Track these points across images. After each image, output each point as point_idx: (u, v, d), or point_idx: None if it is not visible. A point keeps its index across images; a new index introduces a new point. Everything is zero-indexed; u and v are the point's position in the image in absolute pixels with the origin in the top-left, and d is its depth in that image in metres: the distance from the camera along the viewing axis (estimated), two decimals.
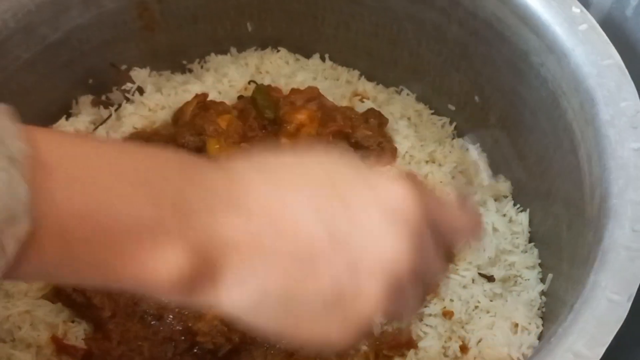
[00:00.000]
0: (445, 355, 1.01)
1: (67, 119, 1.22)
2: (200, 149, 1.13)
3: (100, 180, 0.48)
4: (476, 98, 1.22)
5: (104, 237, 0.48)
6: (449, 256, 0.64)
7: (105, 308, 0.97)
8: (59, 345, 0.95)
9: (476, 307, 1.05)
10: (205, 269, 0.51)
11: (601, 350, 0.73)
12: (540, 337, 1.04)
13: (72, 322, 0.99)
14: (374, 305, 0.54)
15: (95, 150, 0.51)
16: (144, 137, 1.16)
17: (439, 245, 0.60)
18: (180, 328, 0.97)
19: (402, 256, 0.54)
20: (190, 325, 0.94)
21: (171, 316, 0.97)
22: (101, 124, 1.21)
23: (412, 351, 1.00)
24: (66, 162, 0.48)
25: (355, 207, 0.55)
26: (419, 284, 0.58)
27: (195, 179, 0.53)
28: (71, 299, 0.97)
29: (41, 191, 0.45)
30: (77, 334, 0.97)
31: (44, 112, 1.21)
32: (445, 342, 1.02)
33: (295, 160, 0.58)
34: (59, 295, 0.98)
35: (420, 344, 1.01)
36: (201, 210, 0.51)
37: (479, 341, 1.02)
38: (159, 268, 0.50)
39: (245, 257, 0.52)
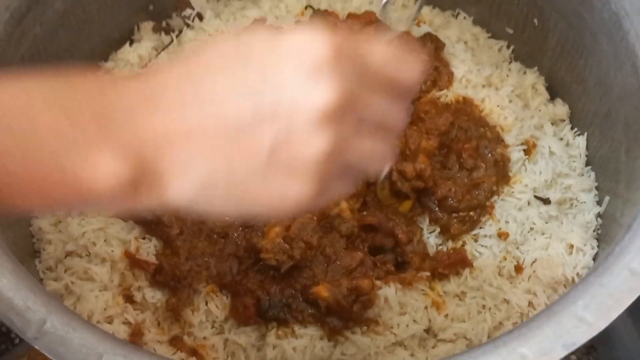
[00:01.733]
0: (499, 274, 1.04)
1: (130, 45, 1.25)
2: None
3: (16, 112, 0.52)
4: (535, 21, 1.21)
5: (33, 164, 0.52)
6: (406, 94, 0.62)
7: (173, 226, 1.02)
8: (132, 259, 1.01)
9: (531, 228, 1.07)
10: (143, 171, 0.53)
11: None
12: (595, 259, 1.06)
13: (143, 238, 1.04)
14: (314, 147, 0.54)
15: (12, 82, 0.54)
16: None
17: (380, 87, 0.58)
18: (245, 245, 1.01)
19: (327, 96, 0.53)
20: (254, 242, 0.98)
21: (236, 234, 1.02)
22: (163, 49, 1.23)
23: (467, 270, 1.03)
24: None
25: (272, 66, 0.54)
26: (370, 124, 0.58)
27: (114, 94, 0.54)
28: (142, 217, 1.02)
29: None
30: (148, 249, 1.02)
31: (108, 39, 1.24)
32: (500, 262, 1.04)
33: (203, 48, 0.57)
34: (130, 213, 1.03)
35: (475, 264, 1.03)
36: (122, 119, 0.53)
37: (534, 261, 1.04)
38: (94, 178, 0.52)
39: (179, 147, 0.54)
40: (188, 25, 1.26)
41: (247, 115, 0.54)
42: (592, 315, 0.74)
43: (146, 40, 1.25)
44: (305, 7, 1.28)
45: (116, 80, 0.56)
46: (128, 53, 1.24)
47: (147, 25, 1.28)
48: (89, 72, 0.56)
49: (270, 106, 0.54)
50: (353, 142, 0.57)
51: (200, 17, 1.27)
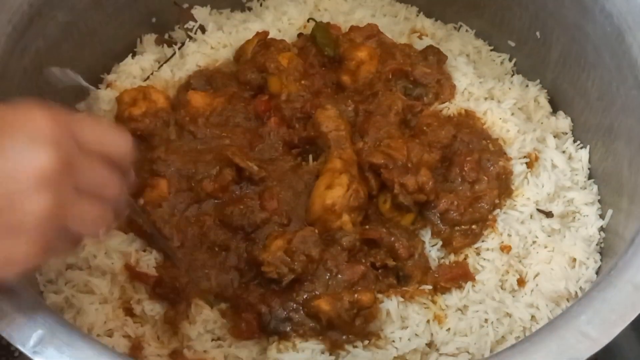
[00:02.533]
0: (502, 288, 1.03)
1: (132, 57, 1.25)
2: (262, 87, 1.15)
3: None
4: (537, 34, 1.21)
5: None
6: (120, 164, 0.70)
7: (174, 238, 1.02)
8: (132, 272, 1.00)
9: (534, 242, 1.07)
10: None
11: None
12: (598, 272, 1.05)
13: (144, 251, 1.03)
14: (35, 207, 0.60)
15: None
16: (207, 75, 1.18)
17: (96, 160, 0.66)
18: (246, 258, 1.01)
19: (45, 162, 0.60)
20: (255, 255, 0.98)
21: (237, 247, 1.01)
22: (165, 62, 1.23)
23: (469, 283, 1.02)
24: None
25: None
26: (89, 194, 0.65)
27: None
28: (142, 229, 1.02)
29: None
30: (148, 262, 1.02)
31: (110, 51, 1.24)
32: (503, 275, 1.04)
33: None
34: (131, 225, 1.03)
35: (478, 277, 1.03)
36: None
37: (536, 275, 1.04)
38: None
39: None
40: (190, 38, 1.27)
41: None
42: (595, 330, 0.74)
43: (148, 53, 1.26)
44: (308, 20, 1.29)
45: None
46: (130, 65, 1.24)
47: (150, 38, 1.28)
48: None
49: None
50: (72, 205, 0.63)
51: (202, 29, 1.27)
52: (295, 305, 0.97)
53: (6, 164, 0.60)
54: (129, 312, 0.99)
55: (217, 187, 1.04)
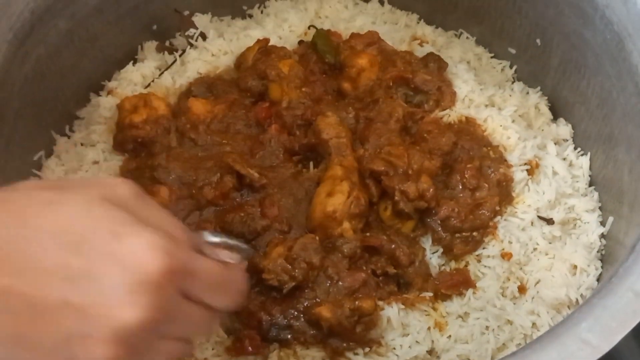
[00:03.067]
0: (503, 295, 1.03)
1: (133, 64, 1.26)
2: (262, 94, 1.15)
3: None
4: (537, 41, 1.21)
5: None
6: (216, 312, 0.68)
7: None
8: None
9: (535, 249, 1.06)
10: None
11: None
12: (599, 280, 1.05)
13: None
14: (103, 356, 0.58)
15: None
16: (207, 82, 1.19)
17: (195, 297, 0.64)
18: (246, 265, 1.00)
19: (135, 318, 0.57)
20: (256, 262, 0.98)
21: None
22: (166, 69, 1.24)
23: (470, 290, 1.02)
24: None
25: (96, 263, 0.57)
26: (172, 334, 0.63)
27: None
28: None
29: None
30: None
31: (111, 58, 1.24)
32: (504, 282, 1.04)
33: (50, 201, 0.60)
34: None
35: (479, 284, 1.03)
36: None
37: (537, 282, 1.04)
38: None
39: None
40: (191, 45, 1.27)
41: (53, 301, 0.56)
42: (596, 337, 0.74)
43: (150, 60, 1.26)
44: (309, 27, 1.29)
45: None
46: (131, 72, 1.24)
47: (151, 45, 1.29)
48: None
49: (78, 303, 0.57)
50: (150, 350, 0.61)
51: (203, 36, 1.28)
52: (296, 312, 0.97)
53: (96, 299, 0.58)
54: None
55: (217, 194, 1.04)
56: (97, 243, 0.58)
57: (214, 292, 0.67)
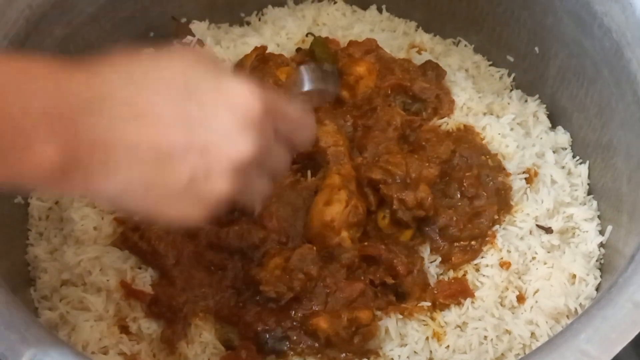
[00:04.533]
0: (501, 304, 1.03)
1: None
2: None
3: None
4: (536, 49, 1.21)
5: None
6: (291, 147, 0.77)
7: (169, 255, 1.01)
8: (128, 289, 0.99)
9: (533, 258, 1.06)
10: (76, 166, 0.60)
11: None
12: (598, 289, 1.04)
13: (139, 268, 1.02)
14: (222, 188, 0.66)
15: None
16: None
17: (280, 138, 0.73)
18: (243, 277, 1.00)
19: (248, 149, 0.66)
20: (253, 274, 0.97)
21: (234, 266, 1.01)
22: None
23: (468, 300, 1.02)
24: None
25: (208, 108, 0.65)
26: (263, 171, 0.72)
27: (63, 88, 0.61)
28: (137, 246, 1.01)
29: None
30: (144, 279, 1.01)
31: None
32: (502, 292, 1.03)
33: (152, 62, 0.67)
34: (126, 242, 1.02)
35: (477, 293, 1.02)
36: (69, 118, 0.60)
37: (536, 292, 1.03)
38: (33, 161, 0.59)
39: (112, 155, 0.62)
40: None
41: (178, 147, 0.63)
42: (595, 348, 0.73)
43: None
44: (306, 35, 1.28)
45: (69, 72, 0.62)
46: None
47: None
48: (46, 59, 0.62)
49: (200, 145, 0.64)
50: (249, 186, 0.70)
51: (200, 43, 1.27)
52: (293, 323, 0.96)
53: (214, 139, 0.65)
54: (124, 329, 0.98)
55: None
56: (206, 92, 0.66)
57: (297, 129, 0.77)
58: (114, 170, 0.62)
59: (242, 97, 0.66)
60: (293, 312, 0.96)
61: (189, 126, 0.64)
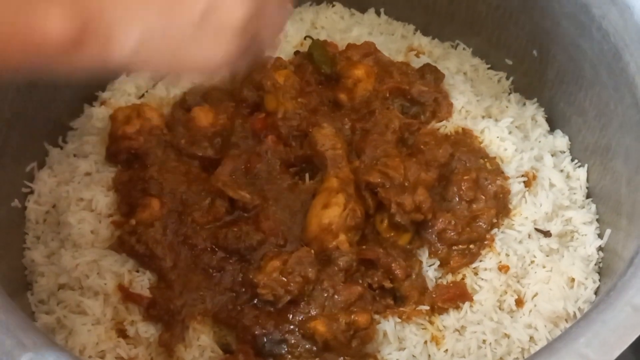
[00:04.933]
0: (500, 308, 1.02)
1: (127, 75, 1.24)
2: (258, 104, 1.15)
3: None
4: (534, 52, 1.21)
5: None
6: None
7: (166, 259, 1.00)
8: (125, 293, 0.99)
9: (532, 261, 1.05)
10: (88, 27, 0.60)
11: None
12: (597, 292, 1.04)
13: (137, 271, 1.02)
14: (235, 12, 0.66)
15: None
16: (202, 91, 1.17)
17: None
18: (241, 280, 0.99)
19: None
20: (250, 277, 0.97)
21: (232, 268, 1.00)
22: (160, 79, 1.22)
23: (467, 304, 1.01)
24: None
25: None
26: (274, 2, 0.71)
27: None
28: (134, 249, 1.01)
29: None
30: (141, 283, 1.01)
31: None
32: (501, 295, 1.03)
33: None
34: (123, 245, 1.02)
35: (476, 297, 1.02)
36: None
37: (535, 295, 1.03)
38: (44, 31, 0.59)
39: (121, 6, 0.62)
40: None
41: None
42: (594, 352, 0.73)
43: (144, 71, 1.25)
44: (305, 38, 1.28)
45: None
46: (125, 83, 1.23)
47: None
48: None
49: None
50: (263, 14, 0.69)
51: None
52: (290, 326, 0.96)
53: None
54: (122, 333, 0.98)
55: (210, 219, 1.03)
56: None
57: None
58: (128, 23, 0.62)
59: None
60: (291, 315, 0.96)
61: None
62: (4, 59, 0.62)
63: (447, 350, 0.98)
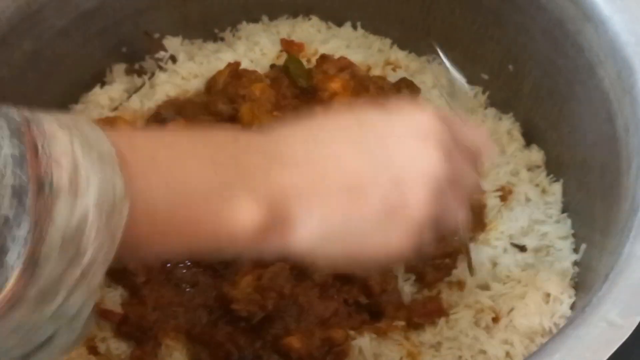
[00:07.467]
0: (476, 324, 1.02)
1: (101, 87, 1.23)
2: (233, 118, 1.13)
3: (169, 163, 0.56)
4: (510, 67, 1.21)
5: (183, 208, 0.56)
6: (476, 169, 0.72)
7: (139, 274, 0.99)
8: (97, 309, 0.97)
9: (507, 276, 1.05)
10: (274, 219, 0.59)
11: (635, 320, 0.73)
12: (572, 308, 1.04)
13: (109, 287, 1.00)
14: (422, 208, 0.62)
15: (160, 140, 0.59)
16: (177, 105, 1.17)
17: (465, 157, 0.68)
18: (215, 295, 0.98)
19: (438, 165, 0.62)
20: (225, 292, 0.95)
21: (206, 283, 0.99)
22: (135, 92, 1.22)
23: (442, 319, 1.01)
24: (140, 153, 0.55)
25: (388, 135, 0.64)
26: (458, 189, 0.66)
27: (247, 147, 0.61)
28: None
29: (127, 181, 0.51)
30: (113, 299, 0.99)
31: (78, 81, 1.22)
32: (477, 312, 1.02)
33: (324, 118, 0.67)
34: None
35: (451, 313, 1.01)
36: (258, 170, 0.59)
37: (511, 310, 1.02)
38: (234, 222, 0.57)
39: (305, 200, 0.60)
40: (161, 68, 1.25)
41: (366, 176, 0.62)
42: None
43: (118, 83, 1.24)
44: (281, 51, 1.28)
45: (245, 133, 0.65)
46: (99, 95, 1.22)
47: (120, 68, 1.26)
48: (218, 127, 0.63)
49: (386, 169, 0.62)
50: (450, 206, 0.66)
51: (173, 59, 1.26)
52: (264, 343, 0.94)
53: (398, 159, 0.62)
54: (93, 350, 0.96)
55: None
56: (383, 126, 0.65)
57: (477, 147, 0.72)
58: (311, 217, 0.60)
59: (422, 120, 0.64)
60: (265, 331, 0.95)
61: (370, 155, 0.62)
62: (183, 247, 0.61)
63: None
